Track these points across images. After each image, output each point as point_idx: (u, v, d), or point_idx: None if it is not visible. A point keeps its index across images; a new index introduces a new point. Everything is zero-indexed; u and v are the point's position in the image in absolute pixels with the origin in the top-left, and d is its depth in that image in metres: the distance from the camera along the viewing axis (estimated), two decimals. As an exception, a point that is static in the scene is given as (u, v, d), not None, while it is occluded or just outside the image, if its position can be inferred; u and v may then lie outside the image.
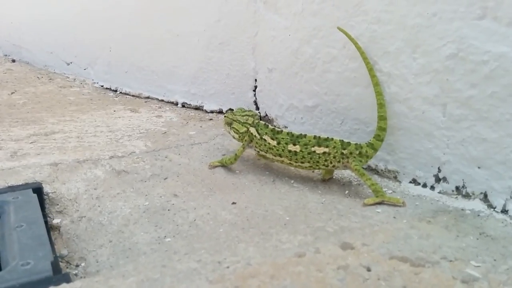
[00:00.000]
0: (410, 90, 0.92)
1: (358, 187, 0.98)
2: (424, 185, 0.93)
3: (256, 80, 1.48)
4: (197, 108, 1.73)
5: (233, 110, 1.16)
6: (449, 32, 0.82)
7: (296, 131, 1.00)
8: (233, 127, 1.09)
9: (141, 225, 0.81)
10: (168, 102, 1.86)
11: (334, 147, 0.93)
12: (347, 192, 0.95)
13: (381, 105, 0.94)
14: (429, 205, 0.85)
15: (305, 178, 1.03)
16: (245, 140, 1.07)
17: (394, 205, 0.85)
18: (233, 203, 0.90)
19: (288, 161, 0.99)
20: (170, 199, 0.91)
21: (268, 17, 1.35)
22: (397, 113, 0.95)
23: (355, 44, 0.99)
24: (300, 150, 0.96)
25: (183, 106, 1.79)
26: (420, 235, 0.71)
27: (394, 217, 0.79)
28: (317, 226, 0.77)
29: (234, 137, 1.10)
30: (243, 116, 1.09)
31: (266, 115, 1.44)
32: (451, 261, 0.62)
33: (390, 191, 0.95)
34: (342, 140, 0.94)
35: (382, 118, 0.93)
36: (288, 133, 0.98)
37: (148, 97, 1.98)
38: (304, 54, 1.20)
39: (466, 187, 0.85)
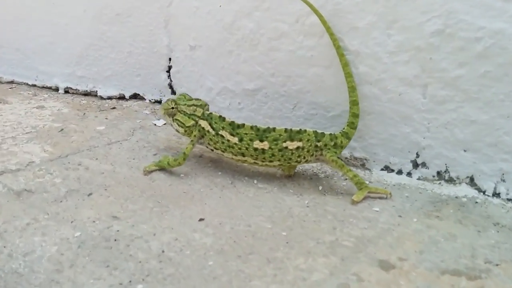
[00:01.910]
0: (384, 70, 0.81)
1: (329, 180, 0.86)
2: (399, 172, 0.86)
3: (170, 59, 1.23)
4: (87, 94, 1.40)
5: (174, 98, 0.92)
6: (434, 6, 0.73)
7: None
8: (176, 119, 0.87)
9: (84, 268, 0.57)
10: (43, 87, 1.48)
11: (308, 140, 0.79)
12: (321, 188, 0.82)
13: (352, 89, 0.82)
14: (419, 195, 0.77)
15: (265, 175, 0.87)
16: (195, 136, 0.85)
17: (380, 197, 0.75)
18: (201, 219, 0.70)
19: (253, 161, 0.82)
20: (110, 224, 0.68)
21: (185, -17, 1.10)
22: (367, 96, 0.84)
23: (320, 17, 0.84)
24: (270, 148, 0.79)
25: (66, 92, 1.43)
26: (444, 236, 0.62)
27: (400, 216, 0.70)
28: (328, 240, 0.63)
29: (178, 131, 0.89)
30: (189, 106, 0.87)
31: (187, 99, 1.21)
32: (497, 264, 0.55)
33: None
34: (316, 131, 0.80)
35: (354, 103, 0.82)
36: (252, 127, 0.81)
37: (12, 82, 1.55)
38: (241, 29, 1.00)
39: (449, 172, 0.80)
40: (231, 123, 0.82)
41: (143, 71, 1.30)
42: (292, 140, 0.79)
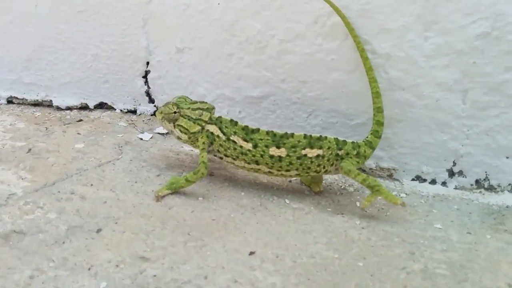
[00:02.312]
0: (420, 75, 0.76)
1: (361, 194, 0.79)
2: (433, 182, 0.81)
3: (148, 63, 1.07)
4: (37, 104, 1.19)
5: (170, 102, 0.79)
6: (480, 7, 0.68)
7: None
8: (179, 125, 0.76)
9: None
10: (-23, 98, 1.23)
11: (329, 147, 0.71)
12: (358, 204, 0.75)
13: (377, 94, 0.75)
14: (468, 207, 0.73)
15: (293, 192, 0.78)
16: (203, 143, 0.75)
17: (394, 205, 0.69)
18: (251, 253, 0.60)
19: (268, 170, 0.73)
20: (142, 267, 0.56)
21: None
22: (398, 102, 0.78)
23: (343, 18, 0.76)
24: (287, 155, 0.71)
25: (10, 102, 1.21)
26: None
27: (469, 233, 0.65)
28: (417, 268, 0.57)
29: (179, 138, 0.77)
30: (194, 110, 0.76)
31: (171, 108, 1.07)
32: None
33: (395, 193, 0.79)
34: (337, 139, 0.73)
35: (379, 110, 0.75)
36: (268, 132, 0.72)
37: None
38: (246, 30, 0.88)
39: (489, 180, 0.77)
40: (244, 128, 0.73)
41: (112, 77, 1.12)
42: (312, 148, 0.71)
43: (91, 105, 1.16)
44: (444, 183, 0.81)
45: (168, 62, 1.02)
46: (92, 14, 1.06)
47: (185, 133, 0.75)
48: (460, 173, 0.79)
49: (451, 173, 0.80)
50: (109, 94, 1.14)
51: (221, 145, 0.74)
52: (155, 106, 1.10)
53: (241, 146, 0.73)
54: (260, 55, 0.88)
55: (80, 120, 1.08)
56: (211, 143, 0.75)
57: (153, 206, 0.69)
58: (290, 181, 0.81)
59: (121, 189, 0.73)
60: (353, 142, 0.73)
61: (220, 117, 0.75)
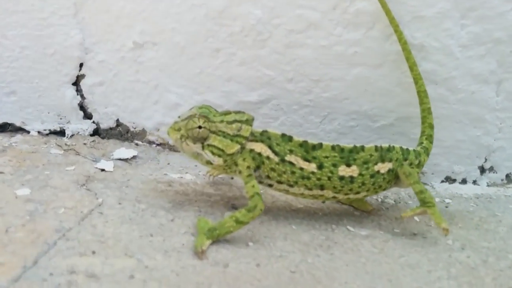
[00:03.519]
0: (455, 66, 0.74)
1: (409, 206, 0.74)
2: (463, 181, 0.82)
3: (82, 65, 0.84)
4: None
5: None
6: (522, -8, 0.69)
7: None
8: (209, 146, 0.61)
9: None
10: None
11: (397, 159, 0.67)
12: (419, 219, 0.70)
13: (425, 94, 0.72)
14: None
15: (338, 214, 0.71)
16: (248, 167, 0.62)
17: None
18: None
19: (333, 195, 0.65)
20: None
21: None
22: (430, 98, 0.75)
23: (383, 5, 0.69)
24: (359, 174, 0.64)
25: None
26: None
27: None
28: None
29: (209, 163, 0.63)
30: (229, 122, 0.62)
31: (119, 124, 0.87)
32: None
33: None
34: (402, 148, 0.68)
35: (429, 111, 0.73)
36: (333, 147, 0.63)
37: None
38: (240, 19, 0.75)
39: (519, 173, 0.80)
40: (303, 144, 0.63)
41: (23, 86, 0.87)
42: (383, 161, 0.66)
43: (-16, 125, 0.87)
44: (474, 182, 0.82)
45: (118, 62, 0.83)
46: None
47: (220, 156, 0.62)
48: (491, 169, 0.82)
49: (482, 170, 0.81)
50: (16, 111, 0.88)
51: (272, 169, 0.62)
52: (94, 123, 0.87)
53: (301, 169, 0.62)
54: (260, 50, 0.77)
55: None
56: (258, 167, 0.62)
57: (201, 267, 0.54)
58: (324, 202, 0.72)
59: (139, 250, 0.56)
60: (414, 150, 0.70)
61: (265, 131, 0.63)
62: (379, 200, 0.77)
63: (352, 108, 0.79)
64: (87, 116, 0.89)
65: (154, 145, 0.87)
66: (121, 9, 0.79)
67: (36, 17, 0.82)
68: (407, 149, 0.68)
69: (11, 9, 0.82)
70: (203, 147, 0.62)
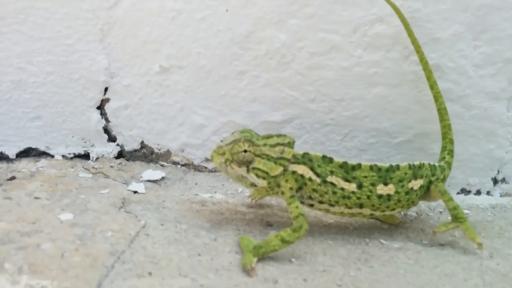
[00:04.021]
0: (469, 85, 0.80)
1: (429, 216, 0.79)
2: (478, 192, 0.88)
3: (107, 89, 0.87)
4: None
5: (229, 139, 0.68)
6: (530, 15, 0.76)
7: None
8: (254, 169, 0.65)
9: None
10: None
11: (426, 175, 0.72)
12: (456, 234, 0.75)
13: (445, 111, 0.78)
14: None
15: (368, 227, 0.77)
16: (291, 189, 0.66)
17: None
18: None
19: (370, 212, 0.69)
20: None
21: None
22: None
23: (407, 27, 0.75)
24: (396, 192, 0.69)
25: None
26: None
27: None
28: None
29: (253, 185, 0.67)
30: (273, 146, 0.66)
31: (144, 146, 0.90)
32: None
33: (441, 209, 0.82)
34: (430, 164, 0.73)
35: (450, 127, 0.79)
36: (371, 167, 0.68)
37: None
38: (266, 42, 0.80)
39: (530, 182, 0.86)
40: (343, 165, 0.67)
41: (48, 111, 0.91)
42: (416, 178, 0.71)
43: (10, 154, 0.89)
44: (488, 192, 0.87)
45: (144, 86, 0.86)
46: (14, 23, 0.83)
47: (264, 178, 0.66)
48: (503, 180, 0.88)
49: (495, 181, 0.86)
50: (41, 136, 0.91)
51: (314, 190, 0.67)
52: (118, 145, 0.91)
53: (342, 189, 0.66)
54: (284, 72, 0.81)
55: (13, 178, 0.83)
56: (300, 188, 0.66)
57: (253, 284, 0.58)
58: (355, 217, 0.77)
59: (192, 270, 0.60)
60: (440, 166, 0.75)
61: (307, 153, 0.68)
62: (402, 213, 0.82)
63: (372, 126, 0.85)
64: (111, 139, 0.92)
65: (179, 166, 0.91)
66: (148, 35, 0.83)
67: (62, 44, 0.85)
68: (434, 165, 0.74)
69: (36, 36, 0.85)
70: (248, 170, 0.65)
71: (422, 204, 0.85)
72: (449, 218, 0.73)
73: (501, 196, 0.88)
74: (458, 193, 0.88)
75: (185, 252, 0.63)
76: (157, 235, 0.66)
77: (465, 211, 0.83)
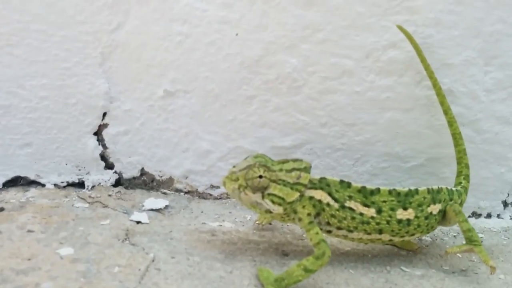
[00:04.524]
0: (480, 109, 0.82)
1: (442, 241, 0.79)
2: (488, 216, 0.89)
3: (105, 114, 0.84)
4: None
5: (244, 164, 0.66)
6: (540, 41, 0.78)
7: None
8: (270, 195, 0.63)
9: None
10: None
11: (444, 200, 0.73)
12: (475, 259, 0.75)
13: (460, 136, 0.79)
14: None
15: (386, 254, 0.76)
16: (309, 215, 0.65)
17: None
18: None
19: (389, 238, 0.69)
20: None
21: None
22: None
23: (419, 53, 0.76)
24: (415, 216, 0.69)
25: None
26: None
27: None
28: None
29: (269, 212, 0.65)
30: (288, 171, 0.65)
31: (144, 173, 0.87)
32: None
33: (455, 234, 0.83)
34: (447, 188, 0.74)
35: (465, 152, 0.79)
36: (390, 192, 0.68)
37: None
38: (276, 67, 0.80)
39: (538, 204, 0.88)
40: (361, 189, 0.67)
41: (39, 138, 0.87)
42: (434, 203, 0.71)
43: (-2, 181, 0.85)
44: (498, 215, 0.89)
45: (146, 111, 0.84)
46: (6, 45, 0.79)
47: (280, 204, 0.64)
48: (513, 203, 0.88)
49: (505, 205, 0.88)
50: (31, 164, 0.86)
51: (333, 215, 0.66)
52: (116, 173, 0.87)
53: (361, 214, 0.65)
54: (295, 96, 0.81)
55: (1, 210, 0.78)
56: (318, 214, 0.65)
57: None
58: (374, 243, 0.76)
59: None
60: (457, 190, 0.76)
61: (324, 178, 0.67)
62: (417, 238, 0.82)
63: (384, 150, 0.85)
64: (108, 166, 0.89)
65: (183, 193, 0.88)
66: (152, 58, 0.81)
67: (59, 67, 0.82)
68: (451, 189, 0.74)
69: (30, 59, 0.82)
70: (263, 197, 0.64)
71: (436, 229, 0.86)
72: (463, 242, 0.74)
73: (511, 219, 0.90)
74: (469, 216, 0.89)
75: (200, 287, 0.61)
76: (169, 269, 0.64)
77: (479, 235, 0.85)
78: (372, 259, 0.73)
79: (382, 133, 0.84)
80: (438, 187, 0.71)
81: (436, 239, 0.83)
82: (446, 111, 0.79)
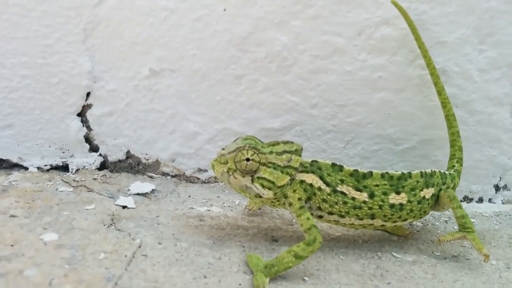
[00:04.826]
0: (474, 90, 0.79)
1: (433, 227, 0.77)
2: (480, 200, 0.87)
3: (89, 94, 0.81)
4: None
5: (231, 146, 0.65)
6: (536, 19, 0.75)
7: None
8: (260, 178, 0.61)
9: None
10: None
11: (437, 184, 0.70)
12: (466, 243, 0.73)
13: (454, 117, 0.77)
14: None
15: (377, 240, 0.74)
16: (299, 200, 0.62)
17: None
18: None
19: (382, 223, 0.67)
20: None
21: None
22: None
23: (414, 31, 0.73)
24: (408, 201, 0.66)
25: None
26: None
27: None
28: None
29: (259, 196, 0.63)
30: (279, 154, 0.62)
31: (130, 156, 0.84)
32: None
33: (446, 218, 0.81)
34: (441, 172, 0.71)
35: (458, 134, 0.77)
36: (383, 175, 0.65)
37: None
38: (265, 45, 0.77)
39: (531, 188, 0.86)
40: (353, 173, 0.65)
41: (21, 119, 0.83)
42: (427, 187, 0.69)
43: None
44: (490, 200, 0.87)
45: (131, 91, 0.81)
46: None
47: (270, 188, 0.62)
48: (505, 187, 0.88)
49: (497, 189, 0.86)
50: (13, 146, 0.83)
51: (324, 200, 0.63)
52: (101, 155, 0.84)
53: (353, 198, 0.63)
54: (284, 76, 0.78)
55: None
56: (309, 199, 0.62)
57: None
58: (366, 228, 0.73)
59: None
60: (450, 174, 0.73)
61: (315, 161, 0.64)
62: (408, 223, 0.80)
63: (375, 132, 0.82)
64: (93, 148, 0.86)
65: (170, 177, 0.85)
66: (137, 35, 0.78)
67: (40, 44, 0.78)
68: (444, 173, 0.72)
69: (10, 35, 0.78)
70: (252, 180, 0.61)
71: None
72: (456, 227, 0.72)
73: (503, 203, 0.88)
74: (461, 200, 0.87)
75: (189, 274, 0.58)
76: (156, 256, 0.61)
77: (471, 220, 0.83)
78: (363, 244, 0.71)
79: (374, 115, 0.81)
80: (431, 170, 0.69)
81: (427, 224, 0.81)
82: (440, 92, 0.76)
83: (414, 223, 0.80)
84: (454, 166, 0.76)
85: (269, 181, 0.61)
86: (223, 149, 0.64)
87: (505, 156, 0.85)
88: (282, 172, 0.61)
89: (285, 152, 0.62)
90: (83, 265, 0.57)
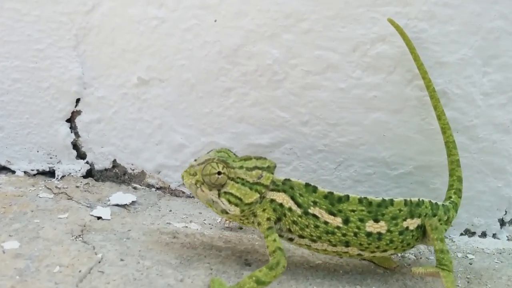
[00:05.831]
0: (477, 115, 0.73)
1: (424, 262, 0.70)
2: (483, 235, 0.80)
3: (79, 100, 0.78)
4: None
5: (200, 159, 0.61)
6: (545, 42, 0.69)
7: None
8: (226, 193, 0.58)
9: None
10: None
11: (426, 214, 0.63)
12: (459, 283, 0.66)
13: (454, 145, 0.71)
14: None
15: (360, 271, 0.67)
16: (268, 219, 0.58)
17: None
18: None
19: (358, 252, 0.61)
20: None
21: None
22: None
23: (412, 50, 0.68)
24: (388, 230, 0.60)
25: None
26: None
27: None
28: None
29: (225, 212, 0.59)
30: (249, 169, 0.58)
31: (116, 165, 0.81)
32: None
33: (452, 254, 0.72)
34: (431, 202, 0.64)
35: (458, 163, 0.71)
36: (361, 200, 0.60)
37: None
38: (256, 58, 0.74)
39: (539, 225, 0.78)
40: (328, 195, 0.59)
41: (10, 122, 0.82)
42: (412, 217, 0.62)
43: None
44: (494, 235, 0.79)
45: (120, 98, 0.79)
46: None
47: (237, 205, 0.58)
48: (511, 222, 0.78)
49: (502, 223, 0.78)
50: (1, 148, 0.83)
51: (294, 222, 0.59)
52: (88, 163, 0.81)
53: (325, 222, 0.58)
54: (275, 90, 0.74)
55: None
56: (279, 219, 0.57)
57: None
58: (341, 256, 0.67)
59: None
60: (443, 205, 0.67)
61: (288, 179, 0.59)
62: (399, 255, 0.72)
63: (369, 155, 0.77)
64: (80, 155, 0.83)
65: (154, 189, 0.82)
66: (127, 43, 0.76)
67: (32, 48, 0.78)
68: (436, 203, 0.66)
69: (4, 38, 0.78)
70: (219, 195, 0.57)
71: (422, 246, 0.76)
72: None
73: (508, 239, 0.80)
74: (461, 234, 0.80)
75: (148, 296, 0.53)
76: (113, 273, 0.57)
77: (470, 256, 0.75)
78: (343, 276, 0.65)
79: (368, 136, 0.76)
80: (419, 199, 0.63)
81: (420, 258, 0.74)
82: (440, 116, 0.71)
83: (406, 255, 0.73)
84: (451, 197, 0.70)
85: (236, 197, 0.57)
86: (195, 160, 0.60)
87: (510, 188, 0.78)
88: (250, 188, 0.57)
89: (256, 168, 0.58)
90: (33, 278, 0.54)
